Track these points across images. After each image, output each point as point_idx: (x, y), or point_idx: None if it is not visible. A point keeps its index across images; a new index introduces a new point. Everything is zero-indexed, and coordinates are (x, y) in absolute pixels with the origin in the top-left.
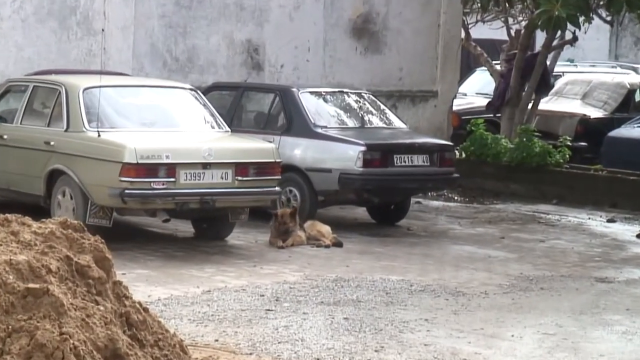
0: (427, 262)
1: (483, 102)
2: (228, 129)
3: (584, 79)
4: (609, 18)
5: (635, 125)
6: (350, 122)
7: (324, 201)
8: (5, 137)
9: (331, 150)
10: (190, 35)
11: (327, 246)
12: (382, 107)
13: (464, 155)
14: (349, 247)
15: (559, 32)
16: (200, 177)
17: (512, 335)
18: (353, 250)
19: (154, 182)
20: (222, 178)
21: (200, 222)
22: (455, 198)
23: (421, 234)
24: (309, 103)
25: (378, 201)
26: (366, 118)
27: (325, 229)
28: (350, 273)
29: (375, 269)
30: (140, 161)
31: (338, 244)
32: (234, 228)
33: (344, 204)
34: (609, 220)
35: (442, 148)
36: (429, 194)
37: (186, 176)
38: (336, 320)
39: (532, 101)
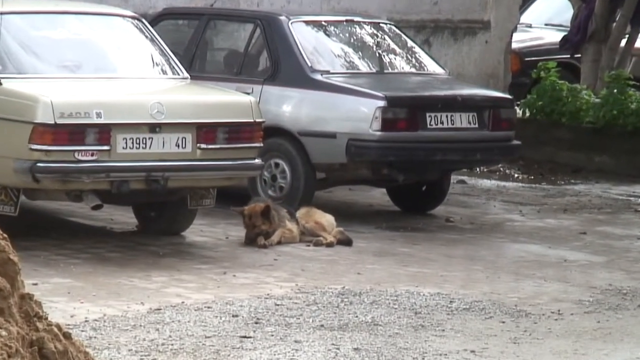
0: (475, 268)
1: (556, 36)
2: (187, 75)
3: None
4: None
5: None
6: (364, 66)
7: (325, 179)
8: None
9: (336, 105)
10: None
11: (329, 244)
12: (410, 43)
13: (527, 113)
14: (360, 246)
15: None
16: (146, 144)
17: None
18: (367, 251)
19: (79, 151)
20: (177, 146)
21: (146, 210)
22: (516, 175)
23: (466, 227)
24: (304, 38)
25: (403, 179)
26: (386, 60)
27: (327, 219)
28: (363, 284)
29: (400, 277)
30: (59, 121)
31: (345, 241)
32: (195, 218)
33: (355, 183)
34: None
35: (497, 103)
36: (477, 169)
37: (126, 143)
38: (342, 352)
39: (627, 36)
